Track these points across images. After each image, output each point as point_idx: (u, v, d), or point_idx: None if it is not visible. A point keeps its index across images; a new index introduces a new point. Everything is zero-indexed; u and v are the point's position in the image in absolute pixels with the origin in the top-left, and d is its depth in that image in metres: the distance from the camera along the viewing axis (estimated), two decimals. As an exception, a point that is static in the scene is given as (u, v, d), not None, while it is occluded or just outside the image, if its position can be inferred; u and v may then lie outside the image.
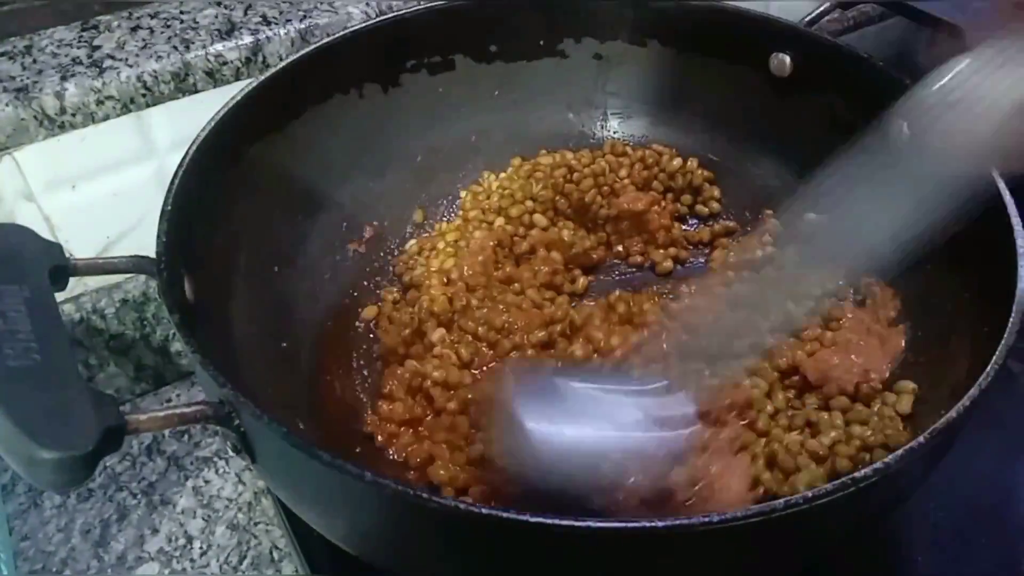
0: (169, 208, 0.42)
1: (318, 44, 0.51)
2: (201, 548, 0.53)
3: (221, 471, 0.57)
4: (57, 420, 0.30)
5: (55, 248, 0.38)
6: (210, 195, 0.44)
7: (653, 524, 0.30)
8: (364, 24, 0.53)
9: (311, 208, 0.55)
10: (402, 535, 0.36)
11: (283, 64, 0.50)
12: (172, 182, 0.43)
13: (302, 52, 0.50)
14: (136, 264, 0.40)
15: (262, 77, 0.48)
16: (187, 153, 0.45)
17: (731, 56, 0.58)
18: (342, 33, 0.52)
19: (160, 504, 0.55)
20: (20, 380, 0.30)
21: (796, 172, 0.58)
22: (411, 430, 0.51)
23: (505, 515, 0.30)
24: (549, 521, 0.30)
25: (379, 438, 0.50)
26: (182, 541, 0.54)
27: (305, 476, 0.35)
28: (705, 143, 0.62)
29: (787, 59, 0.56)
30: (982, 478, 0.53)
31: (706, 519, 0.30)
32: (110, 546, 0.53)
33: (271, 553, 0.53)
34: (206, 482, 0.57)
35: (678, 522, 0.30)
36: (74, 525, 0.54)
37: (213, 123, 0.46)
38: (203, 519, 0.55)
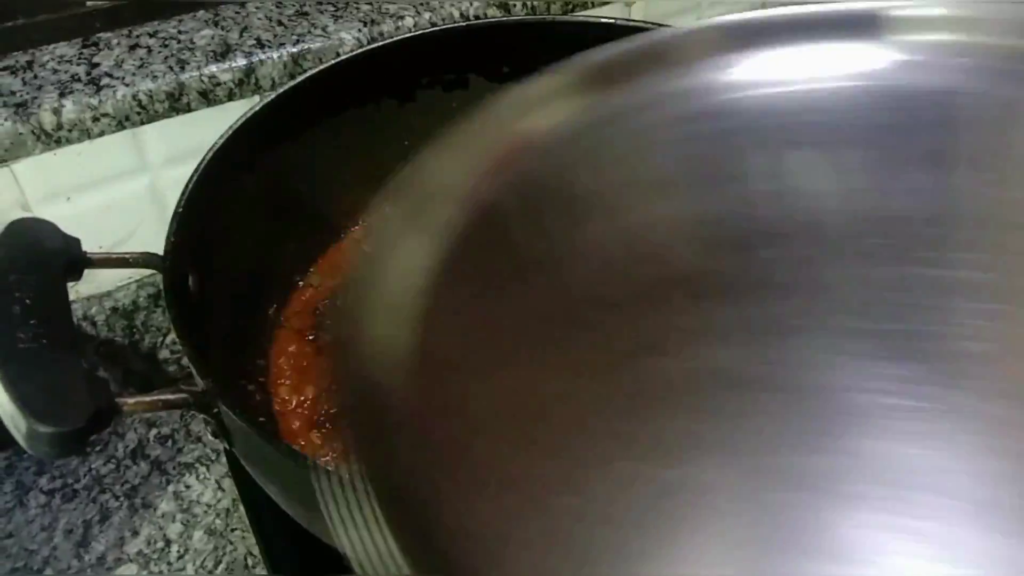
0: (181, 210, 0.44)
1: (339, 59, 0.53)
2: (179, 551, 0.55)
3: (202, 477, 0.59)
4: (54, 399, 0.34)
5: (73, 242, 0.42)
6: (223, 200, 0.47)
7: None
8: (384, 42, 0.56)
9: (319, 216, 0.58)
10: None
11: (304, 76, 0.52)
12: (187, 185, 0.45)
13: (323, 66, 0.52)
14: (146, 260, 0.44)
15: (284, 87, 0.50)
16: (204, 159, 0.47)
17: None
18: (364, 49, 0.55)
19: (142, 507, 0.57)
20: (26, 361, 0.34)
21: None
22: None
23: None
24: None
25: None
26: (160, 544, 0.55)
27: (265, 461, 0.40)
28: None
29: None
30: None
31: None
32: (91, 546, 0.55)
33: (246, 559, 0.55)
34: (187, 487, 0.59)
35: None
36: (57, 524, 0.56)
37: (231, 131, 0.48)
38: (182, 523, 0.57)
